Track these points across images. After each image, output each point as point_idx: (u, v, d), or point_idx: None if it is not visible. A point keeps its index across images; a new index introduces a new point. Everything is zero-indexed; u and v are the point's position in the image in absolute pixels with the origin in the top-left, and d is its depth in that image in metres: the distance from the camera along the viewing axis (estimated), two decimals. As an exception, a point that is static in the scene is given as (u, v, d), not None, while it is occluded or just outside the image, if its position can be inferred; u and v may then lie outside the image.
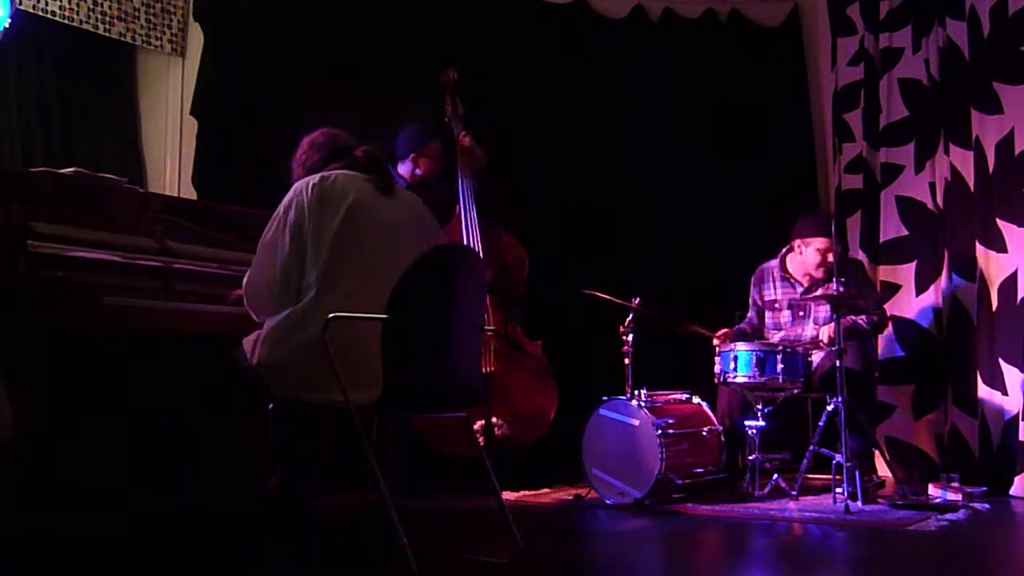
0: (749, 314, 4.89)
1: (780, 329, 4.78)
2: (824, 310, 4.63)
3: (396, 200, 3.00)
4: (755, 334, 4.82)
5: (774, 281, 4.79)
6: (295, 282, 2.83)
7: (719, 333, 4.62)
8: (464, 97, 4.81)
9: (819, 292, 4.51)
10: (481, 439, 4.31)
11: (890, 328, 5.10)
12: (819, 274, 4.63)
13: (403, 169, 4.61)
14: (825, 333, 4.47)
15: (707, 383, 4.52)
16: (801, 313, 4.72)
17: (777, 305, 4.78)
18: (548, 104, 5.47)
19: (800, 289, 4.70)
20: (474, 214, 4.67)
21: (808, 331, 4.68)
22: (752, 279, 4.88)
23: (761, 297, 4.84)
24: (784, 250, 4.77)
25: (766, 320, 4.82)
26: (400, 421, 3.93)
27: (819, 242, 4.60)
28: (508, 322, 4.66)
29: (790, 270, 4.76)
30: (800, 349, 4.31)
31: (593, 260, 5.31)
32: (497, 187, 4.82)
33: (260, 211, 3.51)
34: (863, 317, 4.51)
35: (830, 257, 4.51)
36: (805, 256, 4.66)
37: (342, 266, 2.81)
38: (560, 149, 5.50)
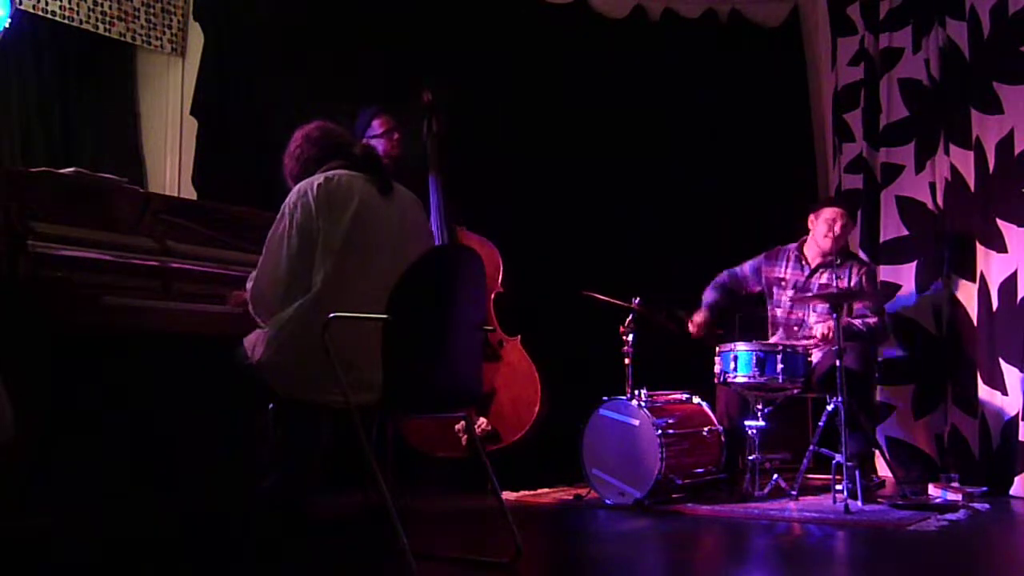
0: (731, 271, 4.92)
1: (780, 307, 4.80)
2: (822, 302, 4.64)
3: (396, 201, 2.99)
4: (727, 295, 4.87)
5: (788, 260, 4.83)
6: (302, 283, 2.82)
7: (695, 320, 4.67)
8: (444, 110, 4.80)
9: (824, 278, 4.60)
10: (463, 438, 4.31)
11: (890, 328, 5.10)
12: (826, 245, 4.67)
13: None
14: (819, 330, 4.47)
15: (707, 383, 4.52)
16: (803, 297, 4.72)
17: (783, 283, 4.82)
18: (547, 104, 5.47)
19: (807, 272, 4.74)
20: (439, 220, 4.67)
21: (809, 320, 4.68)
22: (765, 252, 4.91)
23: (771, 271, 4.86)
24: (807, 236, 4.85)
25: (773, 296, 4.84)
26: (394, 424, 3.92)
27: (827, 212, 4.71)
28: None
29: (805, 252, 4.81)
30: (800, 349, 4.31)
31: (592, 260, 5.31)
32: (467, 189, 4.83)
33: (260, 211, 3.51)
34: (859, 320, 4.52)
35: (837, 227, 4.65)
36: (816, 230, 4.73)
37: (347, 268, 2.81)
38: (559, 149, 5.49)
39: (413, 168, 4.69)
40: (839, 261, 4.67)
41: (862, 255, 5.30)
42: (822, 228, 4.69)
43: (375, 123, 4.62)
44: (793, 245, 4.85)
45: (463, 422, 4.34)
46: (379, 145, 4.59)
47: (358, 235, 2.83)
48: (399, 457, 4.03)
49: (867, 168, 5.44)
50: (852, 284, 4.49)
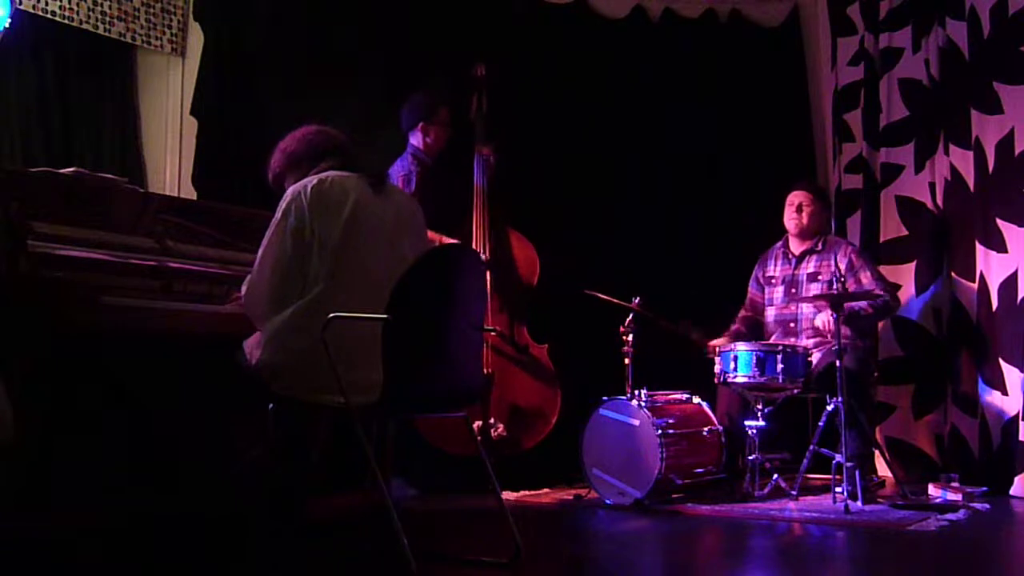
0: (745, 301, 4.91)
1: (772, 305, 4.79)
2: (816, 290, 4.58)
3: (390, 199, 3.00)
4: (751, 328, 4.82)
5: (776, 258, 4.86)
6: (297, 285, 2.83)
7: (713, 343, 4.58)
8: (491, 96, 4.80)
9: (811, 266, 4.63)
10: (478, 438, 4.31)
11: (890, 328, 5.10)
12: (792, 227, 4.73)
13: (414, 140, 4.66)
14: (820, 319, 4.44)
15: (707, 383, 4.52)
16: (793, 290, 4.70)
17: (774, 281, 4.82)
18: (547, 104, 5.47)
19: (793, 263, 4.74)
20: (486, 216, 4.66)
21: (802, 314, 4.66)
22: (760, 258, 4.94)
23: (764, 274, 4.88)
24: None
25: (765, 296, 4.84)
26: (402, 421, 3.93)
27: (791, 195, 4.76)
28: (515, 324, 4.65)
29: (790, 246, 4.83)
30: (800, 348, 4.31)
31: (593, 260, 5.31)
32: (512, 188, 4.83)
33: (260, 211, 3.51)
34: (865, 302, 4.45)
35: (802, 209, 4.69)
36: (784, 216, 4.76)
37: (344, 268, 2.81)
38: (559, 149, 5.49)
39: (459, 146, 4.74)
40: (821, 247, 4.68)
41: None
42: (787, 212, 4.75)
43: (443, 112, 4.66)
44: (780, 243, 4.87)
45: (479, 423, 4.36)
46: (432, 131, 4.62)
47: (354, 235, 2.83)
48: (405, 453, 4.04)
49: (867, 168, 5.44)
50: (842, 266, 4.44)
